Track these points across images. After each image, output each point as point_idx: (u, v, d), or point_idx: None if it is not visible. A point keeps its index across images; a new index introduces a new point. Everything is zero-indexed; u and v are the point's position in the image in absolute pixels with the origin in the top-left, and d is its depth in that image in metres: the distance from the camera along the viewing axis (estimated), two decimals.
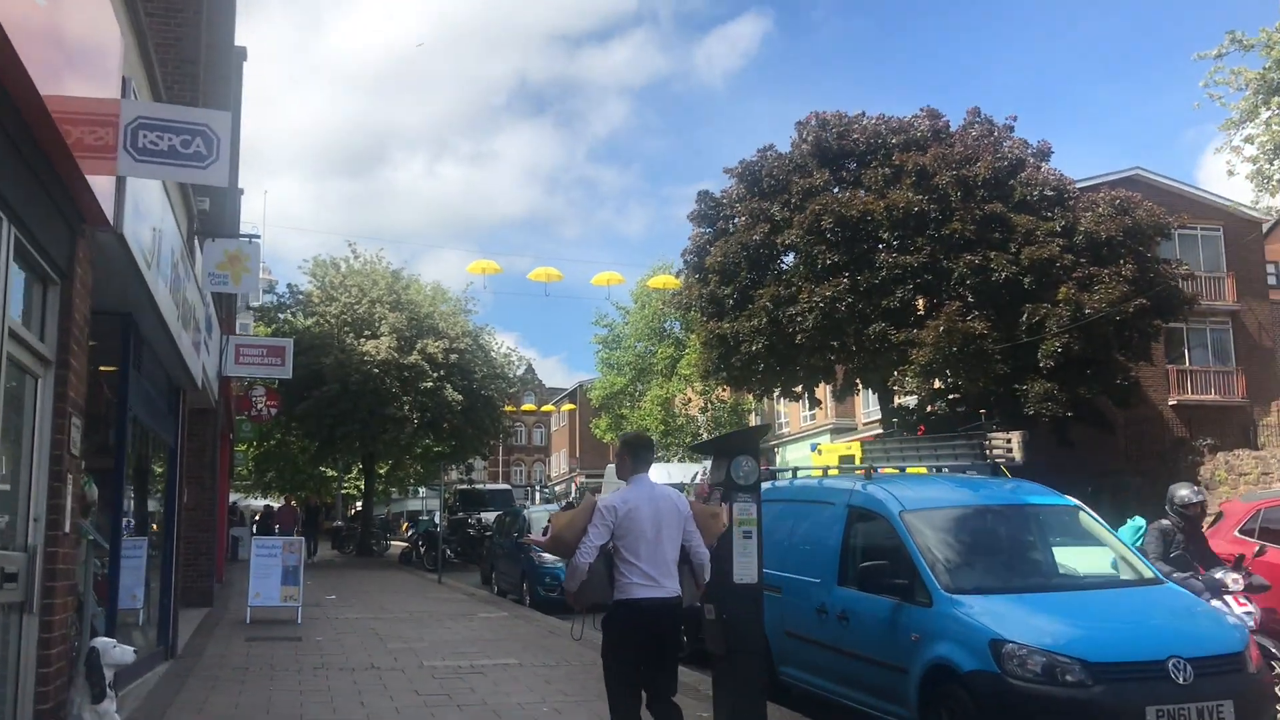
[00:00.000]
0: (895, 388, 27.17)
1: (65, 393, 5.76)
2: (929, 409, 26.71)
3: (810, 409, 33.50)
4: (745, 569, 6.73)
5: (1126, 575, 7.69)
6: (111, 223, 6.17)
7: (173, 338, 9.17)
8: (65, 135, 5.39)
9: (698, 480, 21.00)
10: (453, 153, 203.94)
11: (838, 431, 40.98)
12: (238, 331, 25.40)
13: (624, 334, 48.05)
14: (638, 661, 5.85)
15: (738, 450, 7.04)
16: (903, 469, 10.47)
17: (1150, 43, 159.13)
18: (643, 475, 6.20)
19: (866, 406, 40.29)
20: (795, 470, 10.46)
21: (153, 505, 11.50)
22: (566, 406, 74.34)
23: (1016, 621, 6.61)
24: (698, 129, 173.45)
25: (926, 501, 7.91)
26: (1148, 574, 7.65)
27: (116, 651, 6.01)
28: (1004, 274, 24.59)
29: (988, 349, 24.25)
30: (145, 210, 7.29)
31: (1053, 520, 8.25)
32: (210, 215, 14.88)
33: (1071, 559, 8.00)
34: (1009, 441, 9.52)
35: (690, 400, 45.14)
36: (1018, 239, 25.25)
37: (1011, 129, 27.95)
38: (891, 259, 25.14)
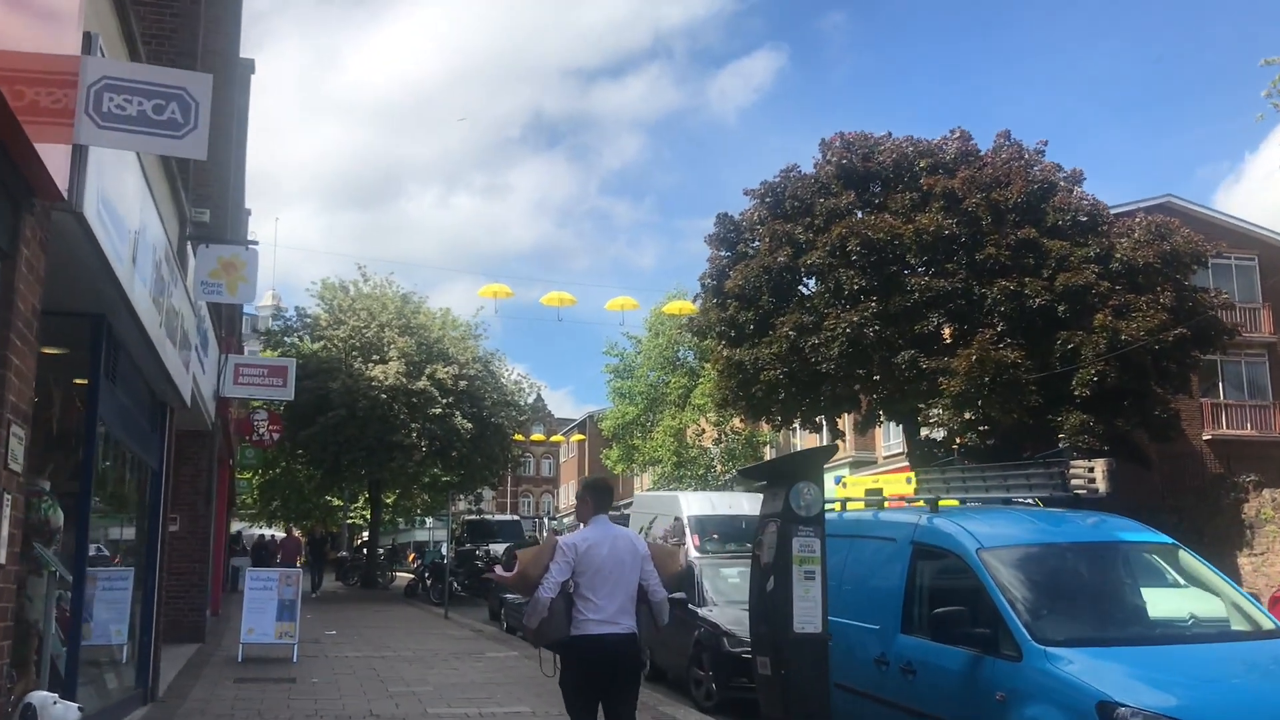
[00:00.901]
0: (923, 419, 26.09)
1: (3, 396, 4.81)
2: (958, 441, 25.54)
3: (831, 441, 32.33)
4: (808, 616, 5.72)
5: (1240, 625, 6.65)
6: (67, 198, 5.25)
7: (154, 346, 8.23)
8: (16, 96, 4.51)
9: (661, 527, 20.20)
10: (466, 185, 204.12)
11: (857, 465, 39.87)
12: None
13: (636, 363, 47.05)
14: (594, 693, 6.03)
15: (797, 475, 6.04)
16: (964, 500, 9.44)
17: (1159, 83, 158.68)
18: (602, 516, 6.32)
19: (887, 439, 39.23)
20: (844, 502, 9.44)
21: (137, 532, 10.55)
22: (576, 437, 73.27)
23: (1125, 680, 5.60)
24: (710, 163, 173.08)
25: (1006, 538, 6.89)
26: (1267, 624, 6.61)
27: (57, 709, 5.02)
28: (1038, 301, 23.61)
29: (1021, 379, 23.22)
30: (117, 195, 6.37)
31: (1148, 560, 7.23)
32: (211, 228, 14.05)
33: (1171, 605, 6.98)
34: (1091, 470, 8.45)
35: (704, 431, 44.06)
36: (1051, 265, 24.27)
37: (1042, 154, 27.01)
38: (923, 284, 24.17)
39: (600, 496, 6.38)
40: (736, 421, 44.64)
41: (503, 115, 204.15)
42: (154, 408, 10.03)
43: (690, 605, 11.87)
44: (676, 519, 20.00)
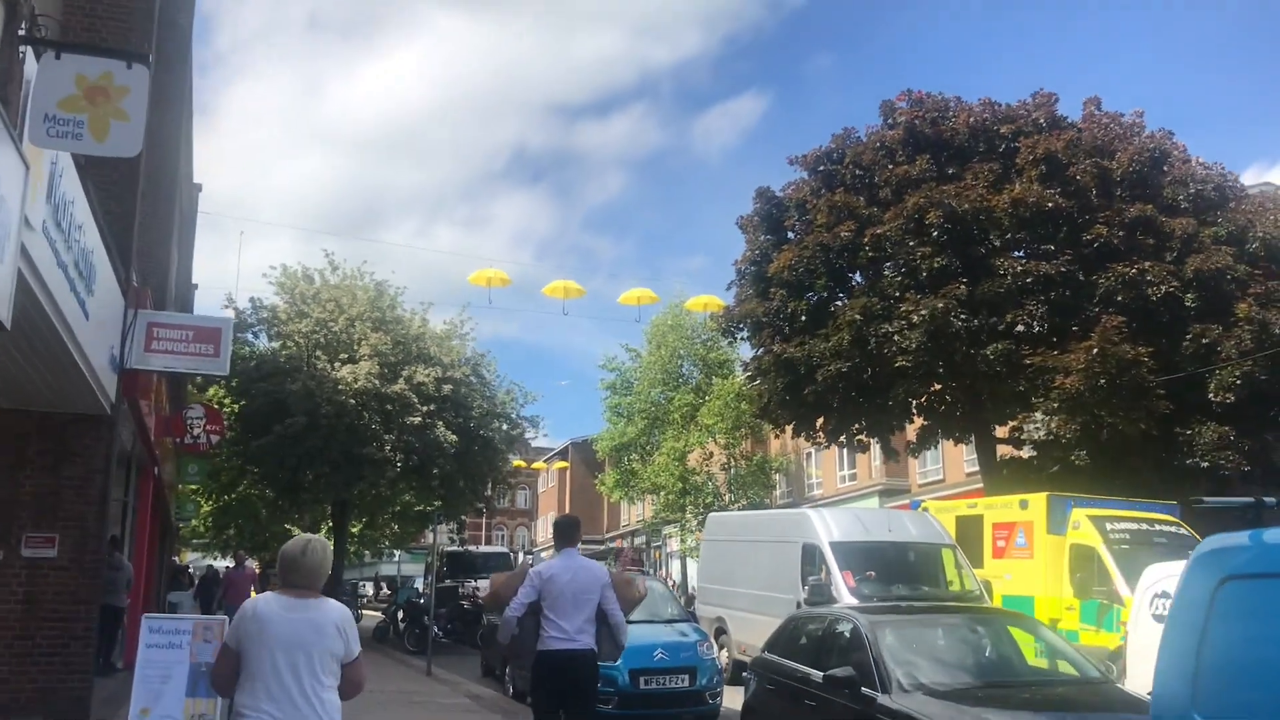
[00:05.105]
0: (1017, 430, 21.41)
1: None
2: (1066, 456, 20.61)
3: (887, 460, 27.62)
4: None
5: None
6: None
7: None
8: None
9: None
10: (447, 216, 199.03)
11: (888, 494, 35.22)
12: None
13: (635, 378, 42.26)
14: (556, 703, 7.01)
15: None
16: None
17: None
18: (569, 549, 7.32)
19: (923, 465, 34.62)
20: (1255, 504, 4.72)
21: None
22: (558, 464, 68.34)
23: None
24: (693, 203, 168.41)
25: None
26: None
27: None
28: (1163, 288, 19.22)
29: (1146, 380, 18.75)
30: None
31: None
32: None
33: None
34: None
35: (711, 455, 39.32)
36: (1175, 247, 19.94)
37: (1140, 124, 22.63)
38: (1020, 266, 19.73)
39: (565, 532, 7.53)
40: (745, 445, 40.09)
41: (487, 149, 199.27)
42: None
43: (865, 690, 7.11)
44: (809, 547, 14.73)
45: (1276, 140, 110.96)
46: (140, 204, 12.86)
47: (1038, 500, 16.64)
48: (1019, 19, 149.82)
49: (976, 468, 28.29)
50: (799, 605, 14.03)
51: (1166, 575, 10.29)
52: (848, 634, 7.89)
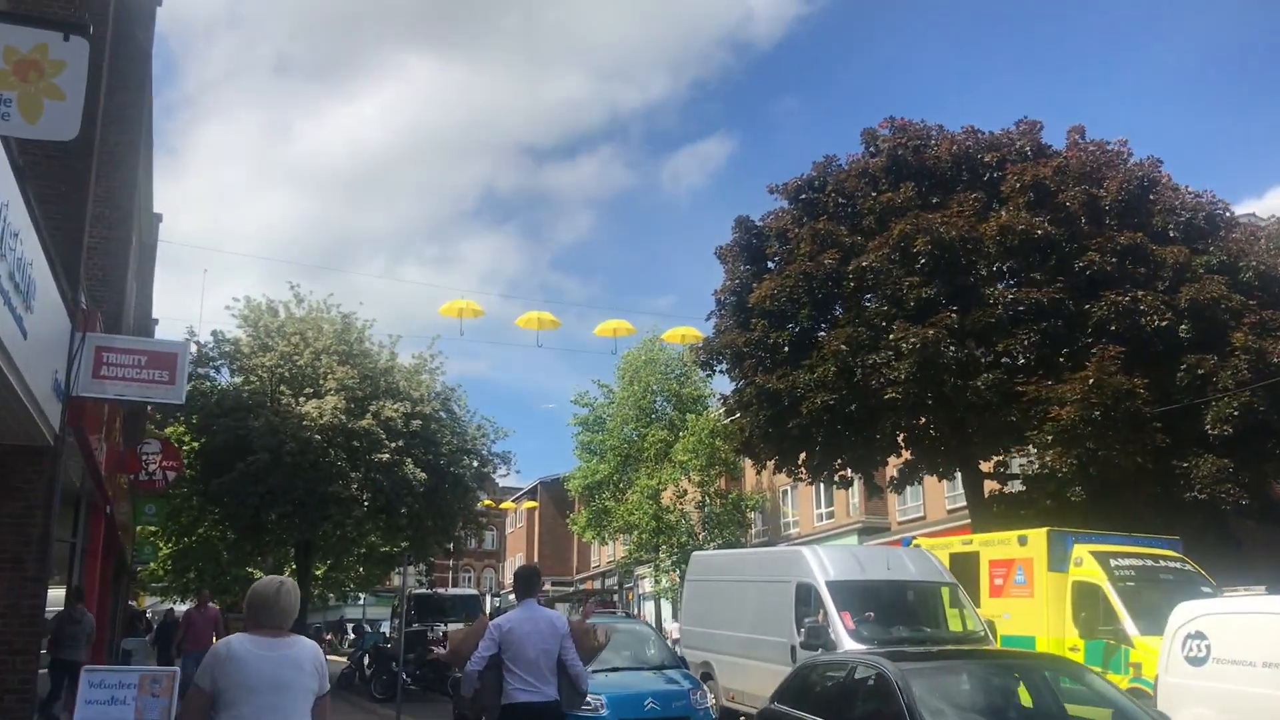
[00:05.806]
0: (997, 466, 20.80)
1: None
2: (1059, 490, 19.92)
3: (869, 497, 26.95)
4: None
5: None
6: None
7: None
8: None
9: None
10: (416, 255, 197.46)
11: (867, 532, 34.52)
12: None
13: (607, 414, 41.37)
14: None
15: None
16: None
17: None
18: (529, 599, 7.33)
19: (903, 502, 33.93)
20: None
21: None
22: (527, 504, 67.14)
23: None
24: (661, 243, 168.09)
25: None
26: None
27: None
28: (1157, 319, 18.70)
29: (1142, 411, 18.17)
30: None
31: None
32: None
33: None
34: None
35: (685, 492, 38.43)
36: (1167, 276, 19.47)
37: (1125, 153, 22.20)
38: (1011, 295, 19.19)
39: (524, 583, 7.56)
40: (720, 483, 39.25)
41: (457, 189, 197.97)
42: None
43: None
44: (803, 586, 13.83)
45: (1254, 174, 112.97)
46: (91, 223, 12.04)
47: (1037, 536, 15.94)
48: (984, 63, 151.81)
49: (958, 504, 27.71)
50: (793, 649, 13.27)
51: (1199, 614, 9.58)
52: (872, 682, 7.12)
